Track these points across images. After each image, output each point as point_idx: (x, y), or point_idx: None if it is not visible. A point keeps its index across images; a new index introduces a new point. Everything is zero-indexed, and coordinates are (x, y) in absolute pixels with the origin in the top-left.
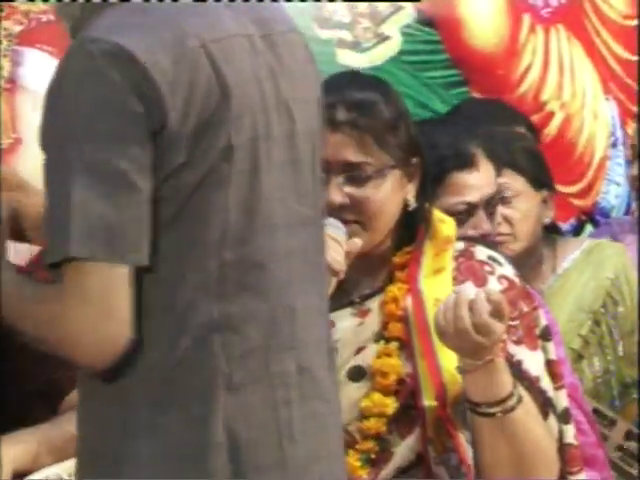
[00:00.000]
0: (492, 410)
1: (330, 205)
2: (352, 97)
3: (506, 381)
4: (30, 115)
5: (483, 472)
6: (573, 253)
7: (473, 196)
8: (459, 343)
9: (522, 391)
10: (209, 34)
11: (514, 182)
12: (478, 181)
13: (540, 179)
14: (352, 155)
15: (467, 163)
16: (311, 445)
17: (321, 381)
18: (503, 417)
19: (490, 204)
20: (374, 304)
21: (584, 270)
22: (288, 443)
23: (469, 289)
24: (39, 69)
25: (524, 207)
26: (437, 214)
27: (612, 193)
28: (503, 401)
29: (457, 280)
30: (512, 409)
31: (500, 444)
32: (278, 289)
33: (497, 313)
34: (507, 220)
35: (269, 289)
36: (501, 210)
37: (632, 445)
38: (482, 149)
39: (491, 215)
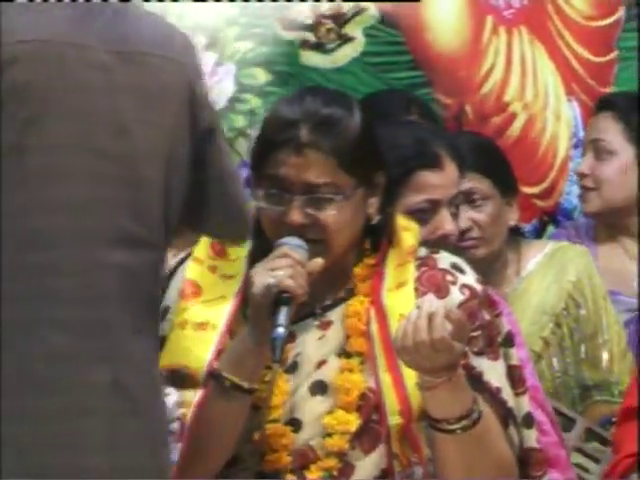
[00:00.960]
0: (452, 427)
1: (290, 224)
2: (316, 115)
3: (466, 398)
4: None
5: None
6: (536, 256)
7: (437, 195)
8: (418, 359)
9: (482, 405)
10: (29, 34)
11: (482, 186)
12: (443, 180)
13: (506, 182)
14: (314, 177)
15: (432, 162)
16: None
17: (132, 395)
18: (463, 434)
19: (453, 204)
20: (335, 316)
21: (547, 273)
22: (73, 453)
23: (431, 302)
24: None
25: (492, 211)
26: (401, 221)
27: (574, 193)
28: (463, 418)
29: (419, 292)
30: (472, 425)
31: (460, 459)
32: (84, 299)
33: (456, 333)
34: (477, 224)
35: (74, 298)
36: (471, 214)
37: (590, 447)
38: (446, 150)
39: (454, 215)
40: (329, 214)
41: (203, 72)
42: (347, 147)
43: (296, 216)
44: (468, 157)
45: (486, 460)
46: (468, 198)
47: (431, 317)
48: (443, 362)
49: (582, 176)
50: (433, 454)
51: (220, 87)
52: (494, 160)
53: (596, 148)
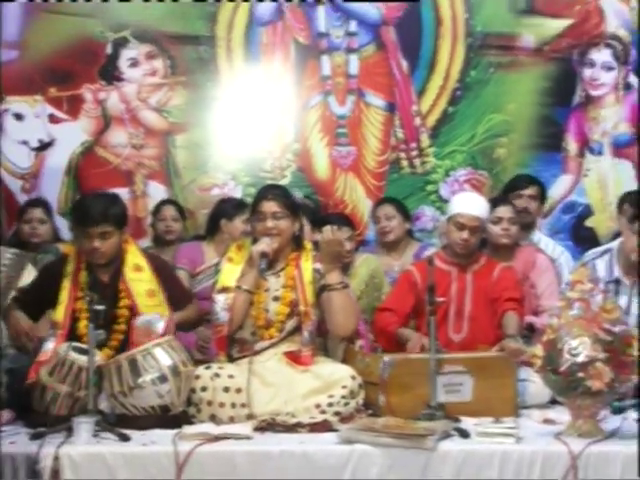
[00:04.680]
0: (338, 287)
1: (267, 229)
2: (274, 190)
3: (342, 276)
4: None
5: (333, 323)
6: (359, 259)
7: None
8: (330, 250)
9: None
10: None
11: (344, 234)
12: (276, 208)
13: (353, 227)
14: (275, 208)
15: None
16: None
17: None
18: (341, 290)
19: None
20: (282, 272)
21: (362, 266)
22: None
23: (328, 232)
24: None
25: (352, 245)
26: (305, 240)
27: (372, 231)
28: (341, 282)
29: (313, 262)
30: (345, 287)
31: (341, 304)
32: None
33: (342, 243)
34: (349, 252)
35: None
36: (351, 245)
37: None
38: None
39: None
40: (281, 223)
41: None
42: (286, 201)
43: (269, 224)
44: (343, 219)
45: (351, 306)
46: (349, 239)
47: (334, 232)
48: (338, 254)
49: (386, 227)
50: (326, 309)
51: (236, 195)
52: (350, 220)
53: (387, 216)
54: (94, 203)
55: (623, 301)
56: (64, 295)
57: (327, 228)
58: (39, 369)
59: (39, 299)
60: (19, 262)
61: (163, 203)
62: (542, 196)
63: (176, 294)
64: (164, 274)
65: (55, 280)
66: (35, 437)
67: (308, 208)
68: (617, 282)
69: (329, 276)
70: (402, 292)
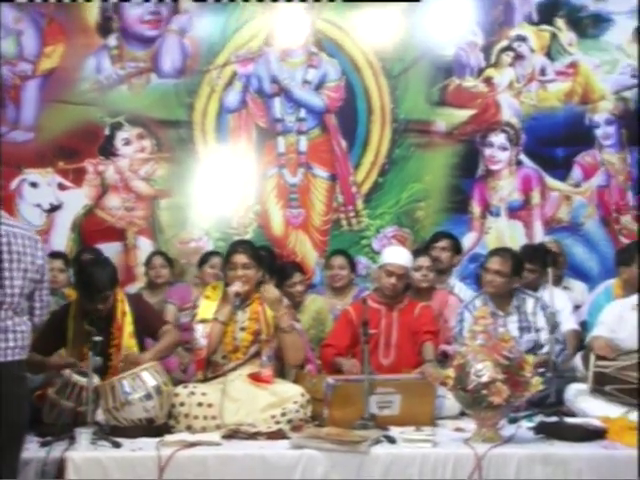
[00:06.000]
0: (287, 329)
1: (238, 276)
2: (244, 245)
3: (291, 320)
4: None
5: (286, 356)
6: (308, 299)
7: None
8: (278, 303)
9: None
10: None
11: (298, 278)
12: (245, 260)
13: (304, 273)
14: (245, 260)
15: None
16: None
17: None
18: (292, 331)
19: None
20: (248, 308)
21: (311, 305)
22: None
23: (266, 291)
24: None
25: (302, 287)
26: (268, 284)
27: (318, 276)
28: (290, 325)
29: None
30: (294, 328)
31: (292, 342)
32: None
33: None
34: (300, 293)
35: None
36: (298, 288)
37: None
38: (250, 255)
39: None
40: (250, 272)
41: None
42: (253, 253)
43: (239, 272)
44: (295, 267)
45: (298, 343)
46: (301, 282)
47: (272, 291)
48: (279, 306)
49: (338, 275)
50: (282, 344)
51: (208, 247)
52: (301, 268)
53: (340, 266)
54: (95, 275)
55: (502, 328)
56: (70, 335)
57: (264, 287)
58: (48, 389)
59: (51, 343)
60: None
61: (153, 254)
62: (455, 248)
63: (152, 320)
64: (139, 306)
65: (61, 325)
66: (44, 444)
67: (266, 258)
68: (493, 314)
69: (280, 321)
70: (341, 329)
